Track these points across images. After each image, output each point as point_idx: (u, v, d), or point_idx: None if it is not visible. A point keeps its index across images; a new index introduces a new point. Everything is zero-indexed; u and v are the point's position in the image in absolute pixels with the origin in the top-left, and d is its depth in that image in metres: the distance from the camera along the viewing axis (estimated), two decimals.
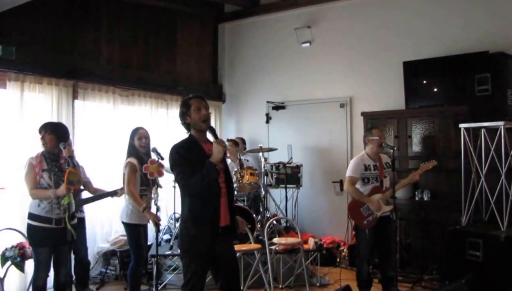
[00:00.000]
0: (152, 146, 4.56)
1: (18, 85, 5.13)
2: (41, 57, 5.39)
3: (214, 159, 3.05)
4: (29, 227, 3.87)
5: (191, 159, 3.09)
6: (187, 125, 3.25)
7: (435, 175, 5.55)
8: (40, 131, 3.92)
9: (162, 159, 4.35)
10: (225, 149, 3.07)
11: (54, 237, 3.83)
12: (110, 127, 6.03)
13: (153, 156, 4.47)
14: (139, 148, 4.43)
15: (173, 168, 3.15)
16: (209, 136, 3.25)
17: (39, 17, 5.44)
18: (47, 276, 3.95)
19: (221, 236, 3.14)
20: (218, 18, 7.97)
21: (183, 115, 3.23)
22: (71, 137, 5.17)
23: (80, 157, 5.06)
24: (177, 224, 5.80)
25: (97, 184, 5.07)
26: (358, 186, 4.62)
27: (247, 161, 6.63)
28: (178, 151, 3.13)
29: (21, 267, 4.54)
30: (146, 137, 4.50)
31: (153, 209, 4.37)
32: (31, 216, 3.86)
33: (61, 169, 3.89)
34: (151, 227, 4.57)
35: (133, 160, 4.36)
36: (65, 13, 5.77)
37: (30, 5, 4.66)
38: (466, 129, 5.08)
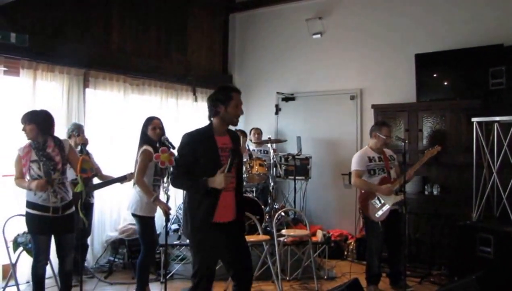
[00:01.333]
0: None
1: (31, 73, 5.16)
2: (53, 46, 5.40)
3: (211, 185, 3.01)
4: (27, 214, 3.88)
5: (199, 150, 3.08)
6: (215, 113, 3.17)
7: (446, 169, 5.52)
8: (21, 121, 3.89)
9: (173, 147, 4.35)
10: (227, 185, 3.03)
11: (52, 225, 3.85)
12: (120, 116, 6.05)
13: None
14: (152, 137, 4.44)
15: (176, 157, 3.19)
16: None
17: (52, 5, 5.44)
18: (46, 264, 3.98)
19: (229, 229, 3.16)
20: (229, 8, 7.94)
21: (218, 103, 3.15)
22: (83, 124, 5.22)
23: (91, 145, 5.09)
24: None
25: (106, 171, 5.12)
26: (365, 178, 4.65)
27: (266, 152, 6.66)
28: (188, 138, 3.13)
29: (32, 253, 4.58)
30: (161, 127, 4.51)
31: (163, 198, 4.38)
32: (28, 204, 3.87)
33: (49, 157, 3.86)
34: (158, 216, 4.59)
35: (149, 148, 4.36)
36: (76, 1, 5.77)
37: None
38: (479, 123, 5.02)
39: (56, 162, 3.87)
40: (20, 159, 3.86)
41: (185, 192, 3.29)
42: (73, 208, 4.06)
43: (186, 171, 3.09)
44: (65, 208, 3.92)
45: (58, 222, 3.87)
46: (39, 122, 3.86)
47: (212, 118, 3.21)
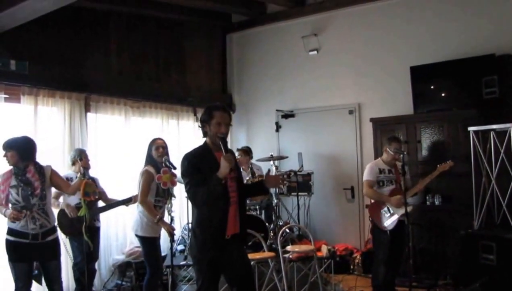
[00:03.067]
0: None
1: (31, 99, 5.23)
2: (53, 71, 5.49)
3: (221, 174, 3.04)
4: (6, 241, 3.87)
5: (202, 168, 3.12)
6: (205, 132, 3.26)
7: (446, 179, 5.54)
8: (2, 148, 3.94)
9: (174, 168, 4.40)
10: (231, 165, 3.06)
11: (31, 252, 3.83)
12: (122, 139, 6.12)
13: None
14: (156, 158, 4.50)
15: (183, 176, 3.20)
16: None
17: (51, 31, 5.53)
18: None
19: (232, 244, 3.18)
20: (226, 28, 8.06)
21: (203, 123, 3.23)
22: (86, 149, 5.27)
23: (94, 169, 5.13)
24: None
25: (110, 194, 5.15)
26: (375, 189, 4.75)
27: (258, 169, 6.67)
28: (190, 160, 3.17)
29: (39, 280, 4.59)
30: (164, 147, 4.56)
31: (167, 219, 4.41)
32: (7, 230, 3.88)
33: (28, 183, 3.89)
34: (164, 238, 4.61)
35: (150, 168, 4.41)
36: (75, 27, 5.87)
37: (41, 20, 4.74)
38: (475, 132, 5.09)
39: (35, 187, 3.90)
40: (0, 185, 3.90)
41: (192, 211, 3.29)
42: (56, 234, 4.05)
43: (201, 182, 3.09)
44: (45, 234, 3.91)
45: (38, 248, 3.85)
46: (19, 148, 3.91)
47: (205, 138, 3.28)
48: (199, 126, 3.29)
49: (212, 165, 3.12)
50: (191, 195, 3.14)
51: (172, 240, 4.30)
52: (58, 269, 4.04)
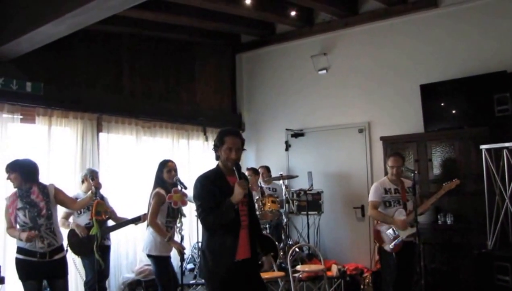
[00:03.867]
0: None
1: (46, 120, 5.35)
2: (67, 92, 5.61)
3: (234, 200, 3.04)
4: (15, 260, 3.94)
5: (215, 191, 3.12)
6: (216, 157, 3.27)
7: (458, 197, 5.49)
8: (5, 171, 4.01)
9: (186, 188, 4.42)
10: (245, 191, 3.06)
11: (40, 270, 3.88)
12: (133, 158, 6.17)
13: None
14: (167, 179, 4.52)
15: (195, 199, 3.20)
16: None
17: (64, 53, 5.67)
18: None
19: (243, 268, 3.15)
20: (235, 48, 8.15)
21: (215, 147, 3.24)
22: (97, 168, 5.33)
23: (105, 188, 5.16)
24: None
25: (120, 213, 5.17)
26: (380, 209, 4.68)
27: (275, 190, 6.66)
28: (203, 183, 3.16)
29: None
30: (175, 170, 4.61)
31: (177, 238, 4.42)
32: (17, 249, 3.94)
33: (33, 204, 3.93)
34: (173, 256, 4.61)
35: (162, 191, 4.45)
36: (88, 49, 6.02)
37: (56, 42, 4.86)
38: (488, 150, 5.04)
39: (41, 208, 3.94)
40: (7, 208, 3.98)
41: (202, 233, 3.28)
42: (64, 253, 4.10)
43: (213, 206, 3.09)
44: (53, 253, 3.96)
45: (46, 267, 3.90)
46: (22, 170, 3.98)
47: (217, 161, 3.29)
48: (212, 149, 3.30)
49: (224, 189, 3.12)
50: (203, 219, 3.13)
51: (182, 259, 4.30)
52: (65, 287, 4.07)
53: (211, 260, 3.13)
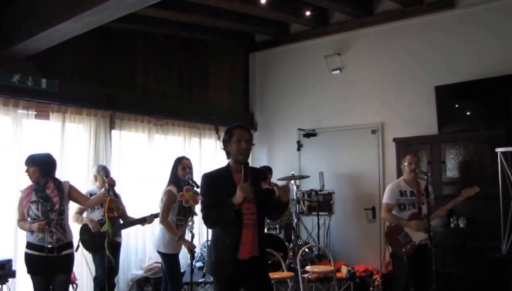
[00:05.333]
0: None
1: (60, 116, 5.41)
2: (81, 89, 5.66)
3: (236, 201, 3.01)
4: (25, 254, 3.98)
5: (219, 189, 3.11)
6: (228, 153, 3.24)
7: (471, 201, 5.37)
8: (25, 164, 4.03)
9: (198, 186, 4.42)
10: (246, 195, 3.00)
11: (47, 265, 3.89)
12: (145, 156, 6.21)
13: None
14: (182, 177, 4.54)
15: (201, 197, 3.23)
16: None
17: (79, 51, 5.73)
18: None
19: (249, 266, 3.12)
20: (249, 47, 8.15)
21: (225, 143, 3.23)
22: (109, 165, 5.37)
23: (117, 185, 5.19)
24: None
25: (132, 210, 5.21)
26: (395, 212, 4.60)
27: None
28: (206, 180, 3.18)
29: None
30: (190, 167, 4.62)
31: (188, 236, 4.43)
32: (26, 244, 3.98)
33: (47, 199, 3.96)
34: (182, 254, 4.63)
35: (173, 188, 4.46)
36: (103, 46, 6.08)
37: (71, 40, 4.92)
38: (503, 153, 4.97)
39: (54, 203, 3.97)
40: (21, 200, 4.03)
41: (210, 230, 3.29)
42: (72, 250, 4.12)
43: (214, 204, 3.10)
44: (60, 248, 3.97)
45: (52, 262, 3.91)
46: (41, 165, 4.01)
47: (228, 159, 3.27)
48: (222, 148, 3.29)
49: (229, 187, 3.09)
50: (203, 216, 3.14)
51: (192, 257, 4.31)
52: (67, 284, 4.08)
53: (215, 256, 3.15)
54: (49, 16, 4.49)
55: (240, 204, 3.02)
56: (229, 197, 3.04)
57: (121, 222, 4.97)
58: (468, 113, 5.86)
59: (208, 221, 3.13)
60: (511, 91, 5.30)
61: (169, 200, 4.44)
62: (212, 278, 3.29)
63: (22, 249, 4.10)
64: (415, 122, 6.28)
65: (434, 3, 6.17)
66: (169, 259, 4.48)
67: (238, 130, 3.20)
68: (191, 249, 4.25)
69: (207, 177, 3.21)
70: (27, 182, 4.12)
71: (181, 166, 4.58)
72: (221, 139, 3.29)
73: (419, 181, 4.68)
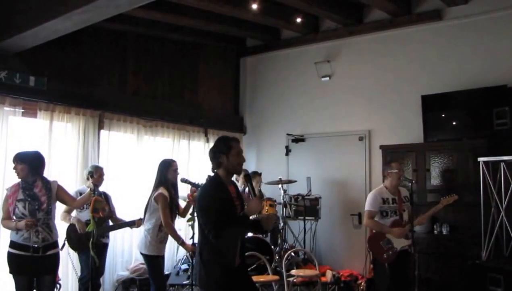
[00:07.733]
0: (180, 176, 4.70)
1: (48, 114, 5.35)
2: (70, 88, 5.62)
3: (250, 213, 3.07)
4: (7, 254, 3.90)
5: (220, 202, 3.05)
6: (218, 164, 3.21)
7: (454, 208, 5.50)
8: (13, 161, 3.98)
9: (198, 186, 4.44)
10: (262, 206, 3.09)
11: (32, 265, 3.84)
12: (133, 157, 6.20)
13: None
14: (173, 179, 4.56)
15: (203, 215, 3.08)
16: (235, 180, 3.35)
17: (69, 49, 5.70)
18: None
19: (241, 273, 3.19)
20: (240, 52, 8.20)
21: (219, 154, 3.18)
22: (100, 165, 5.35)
23: (104, 185, 5.19)
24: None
25: (120, 212, 5.20)
26: (377, 219, 4.66)
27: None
28: (214, 197, 3.07)
29: None
30: (177, 169, 4.65)
31: (187, 237, 4.45)
32: (10, 243, 3.91)
33: (35, 197, 3.92)
34: (168, 256, 4.64)
35: (164, 191, 4.46)
36: (93, 46, 6.06)
37: (61, 38, 4.88)
38: (485, 163, 5.07)
39: (42, 202, 3.94)
40: (7, 198, 3.95)
41: (202, 243, 3.16)
42: (57, 249, 4.08)
43: (227, 220, 3.01)
44: (46, 248, 3.93)
45: (37, 262, 3.86)
46: (30, 163, 3.96)
47: (216, 170, 3.23)
48: (211, 158, 3.24)
49: (226, 199, 3.09)
50: (216, 235, 2.96)
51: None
52: (52, 284, 4.05)
53: (219, 270, 3.07)
54: (38, 13, 4.41)
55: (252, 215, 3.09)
56: (225, 208, 3.03)
57: (110, 223, 4.96)
58: (453, 123, 5.97)
59: (225, 238, 2.99)
60: (494, 103, 5.42)
61: (165, 203, 4.43)
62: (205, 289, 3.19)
63: (3, 249, 4.03)
64: (402, 130, 6.38)
65: (423, 14, 6.29)
66: (151, 261, 4.48)
67: (236, 143, 3.26)
68: (194, 252, 4.24)
69: (214, 192, 3.12)
70: (13, 179, 4.08)
71: (173, 168, 4.61)
72: (216, 149, 3.23)
73: (400, 188, 4.77)
